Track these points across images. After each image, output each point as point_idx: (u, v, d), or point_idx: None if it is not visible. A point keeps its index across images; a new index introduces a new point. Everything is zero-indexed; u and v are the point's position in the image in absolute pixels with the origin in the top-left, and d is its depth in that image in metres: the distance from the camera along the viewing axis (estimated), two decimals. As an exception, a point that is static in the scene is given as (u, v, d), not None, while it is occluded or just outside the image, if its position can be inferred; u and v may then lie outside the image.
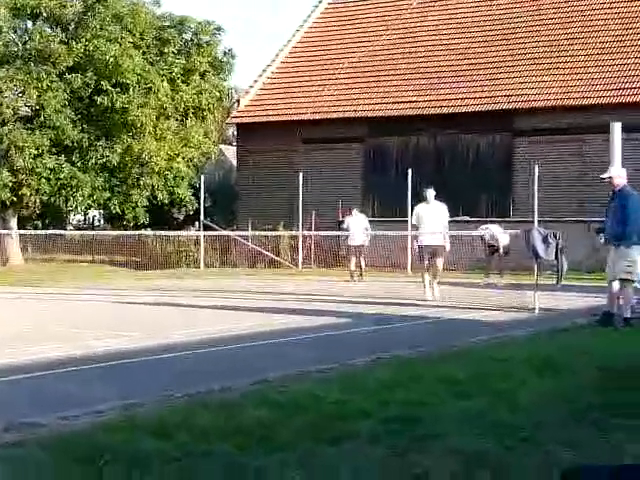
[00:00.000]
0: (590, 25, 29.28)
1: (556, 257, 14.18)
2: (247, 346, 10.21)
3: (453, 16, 32.12)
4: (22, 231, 32.85)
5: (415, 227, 17.62)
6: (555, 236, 14.13)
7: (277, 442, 5.31)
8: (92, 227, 47.33)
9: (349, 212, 24.30)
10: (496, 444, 5.27)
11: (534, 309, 13.90)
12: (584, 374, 7.68)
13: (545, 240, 14.08)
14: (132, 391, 7.08)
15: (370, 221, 26.03)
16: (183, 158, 32.99)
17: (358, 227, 23.60)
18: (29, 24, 32.48)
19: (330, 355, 9.07)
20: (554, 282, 14.57)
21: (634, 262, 11.70)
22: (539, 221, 15.38)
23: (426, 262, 16.66)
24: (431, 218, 16.81)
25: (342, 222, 25.34)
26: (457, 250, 24.96)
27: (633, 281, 11.97)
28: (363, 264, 23.57)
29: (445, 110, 28.82)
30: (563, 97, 27.46)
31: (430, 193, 17.13)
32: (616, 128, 13.52)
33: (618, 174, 12.08)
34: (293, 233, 27.69)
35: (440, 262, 16.61)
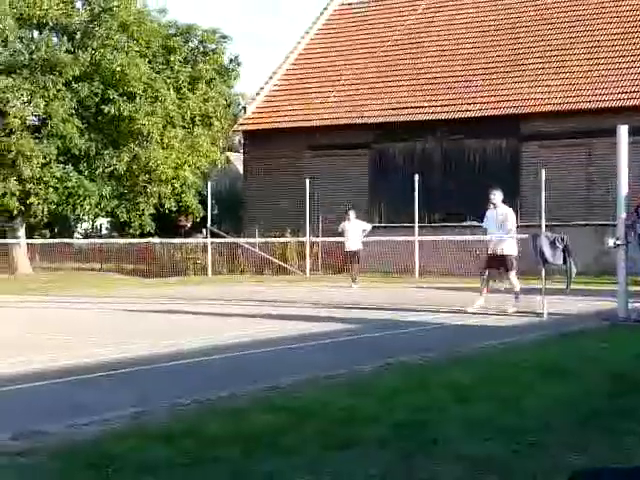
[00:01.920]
0: (595, 28, 29.27)
1: (564, 261, 14.16)
2: (255, 353, 10.22)
3: (459, 21, 32.13)
4: (30, 240, 32.96)
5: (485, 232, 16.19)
6: (563, 240, 14.11)
7: (285, 448, 5.32)
8: (99, 235, 47.40)
9: (346, 216, 23.89)
10: (503, 449, 5.27)
11: (542, 314, 13.88)
12: (593, 379, 7.67)
13: (553, 244, 14.06)
14: (141, 399, 7.09)
15: (377, 227, 26.03)
16: (190, 166, 33.06)
17: (354, 232, 23.40)
18: (35, 34, 32.62)
19: (338, 361, 9.08)
20: (564, 287, 14.53)
21: None
22: (546, 225, 15.34)
23: (487, 271, 15.60)
24: (493, 223, 15.78)
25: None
26: (464, 255, 25.02)
27: None
28: (357, 269, 23.35)
29: (451, 115, 28.82)
30: (569, 101, 27.45)
31: (497, 195, 15.77)
32: (622, 131, 13.48)
33: None
34: (300, 239, 27.72)
35: (508, 274, 15.41)
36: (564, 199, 26.31)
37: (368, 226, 23.95)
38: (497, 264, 15.56)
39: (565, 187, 26.55)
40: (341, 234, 23.76)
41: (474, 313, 14.71)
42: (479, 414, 6.20)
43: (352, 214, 23.72)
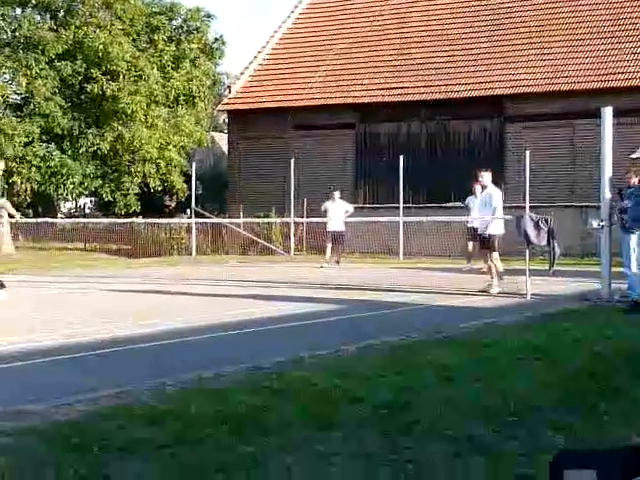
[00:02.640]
0: (580, 10, 29.27)
1: (548, 242, 14.21)
2: (238, 334, 10.22)
3: (443, 2, 32.06)
4: (13, 219, 32.77)
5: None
6: (547, 221, 14.15)
7: (269, 428, 5.33)
8: (83, 215, 47.24)
9: (330, 197, 23.75)
10: (487, 429, 5.30)
11: (526, 294, 13.93)
12: (576, 359, 7.72)
13: (537, 225, 14.10)
14: (125, 379, 7.09)
15: (362, 207, 26.02)
16: (174, 146, 32.96)
17: (337, 212, 23.29)
18: (18, 11, 32.37)
19: (322, 341, 9.09)
20: (546, 268, 14.60)
21: None
22: (530, 206, 15.37)
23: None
24: (480, 204, 16.15)
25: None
26: (448, 236, 25.07)
27: None
28: (340, 248, 23.30)
29: (436, 96, 28.80)
30: (554, 82, 27.47)
31: (485, 177, 15.76)
32: (607, 112, 13.51)
33: None
34: (285, 220, 27.69)
35: (491, 255, 15.35)
36: (548, 180, 26.38)
37: (350, 207, 23.88)
38: (482, 244, 15.65)
39: (549, 168, 26.62)
40: (324, 214, 23.70)
41: (498, 294, 14.66)
42: (462, 395, 6.23)
43: (337, 194, 23.61)
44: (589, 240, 22.52)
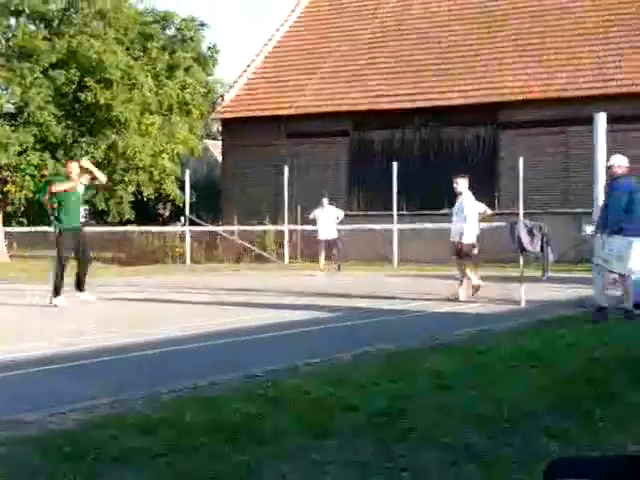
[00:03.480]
0: (572, 17, 29.37)
1: (542, 249, 14.23)
2: (231, 341, 10.21)
3: (436, 10, 32.16)
4: (7, 228, 32.77)
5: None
6: (540, 228, 14.17)
7: (264, 437, 5.32)
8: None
9: (320, 204, 23.58)
10: (482, 436, 5.29)
11: (520, 301, 13.94)
12: (570, 365, 7.71)
13: (530, 232, 14.12)
14: (119, 388, 7.07)
15: (355, 215, 26.02)
16: (168, 154, 32.96)
17: (328, 219, 23.21)
18: (12, 21, 32.37)
19: (316, 349, 9.08)
20: (540, 274, 14.60)
21: None
22: (524, 213, 15.38)
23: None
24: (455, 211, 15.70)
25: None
26: (442, 243, 25.06)
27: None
28: (336, 254, 23.22)
29: (429, 103, 28.86)
30: (546, 89, 27.54)
31: (460, 183, 15.50)
32: (600, 119, 13.56)
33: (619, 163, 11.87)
34: (279, 228, 27.70)
35: (464, 262, 15.25)
36: (542, 187, 26.42)
37: (341, 213, 23.85)
38: (456, 252, 15.42)
39: (543, 175, 26.66)
40: (313, 223, 23.67)
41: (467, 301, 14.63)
42: (457, 402, 6.23)
43: (325, 201, 23.57)
44: (583, 246, 22.54)
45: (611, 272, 11.95)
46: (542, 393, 6.56)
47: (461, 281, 15.16)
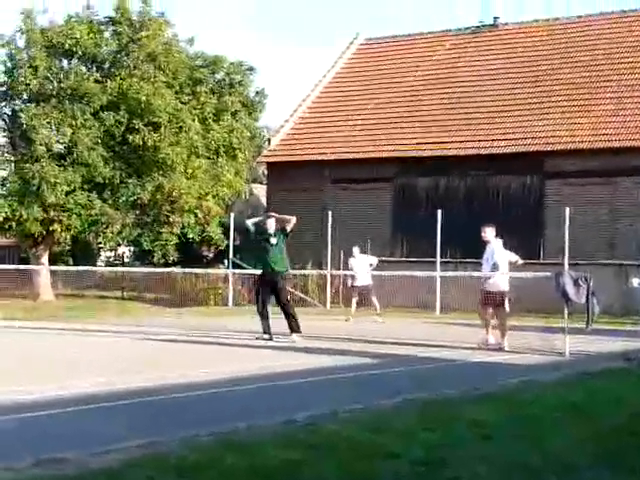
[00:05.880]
0: (620, 67, 29.26)
1: (587, 300, 14.05)
2: (273, 385, 10.17)
3: (484, 60, 32.24)
4: (53, 267, 33.08)
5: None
6: (586, 279, 14.02)
7: (303, 483, 5.27)
8: (122, 264, 47.57)
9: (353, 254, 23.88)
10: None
11: (564, 352, 13.75)
12: (615, 418, 7.58)
13: (576, 283, 13.97)
14: (158, 429, 7.06)
15: (397, 261, 25.91)
16: (214, 196, 33.17)
17: (361, 267, 23.42)
18: (64, 63, 32.92)
19: (357, 396, 9.01)
20: (584, 325, 14.42)
21: None
22: (570, 263, 15.22)
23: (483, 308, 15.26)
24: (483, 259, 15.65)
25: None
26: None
27: None
28: (377, 304, 23.20)
29: (476, 151, 28.82)
30: (594, 139, 27.39)
31: (488, 232, 15.64)
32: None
33: None
34: (321, 272, 27.68)
35: (497, 311, 15.11)
36: (588, 237, 26.17)
37: (374, 260, 23.97)
38: (488, 301, 15.24)
39: (589, 225, 26.41)
40: (350, 270, 23.96)
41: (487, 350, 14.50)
42: (500, 452, 6.13)
43: (356, 250, 23.91)
44: (630, 299, 22.24)
45: None
46: (586, 445, 6.44)
47: (502, 332, 15.01)
